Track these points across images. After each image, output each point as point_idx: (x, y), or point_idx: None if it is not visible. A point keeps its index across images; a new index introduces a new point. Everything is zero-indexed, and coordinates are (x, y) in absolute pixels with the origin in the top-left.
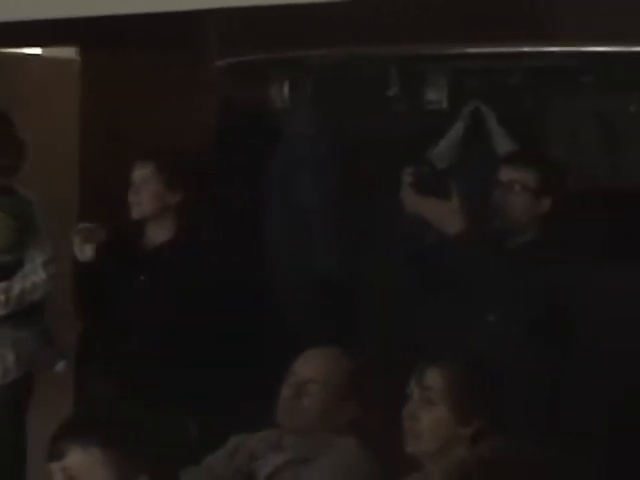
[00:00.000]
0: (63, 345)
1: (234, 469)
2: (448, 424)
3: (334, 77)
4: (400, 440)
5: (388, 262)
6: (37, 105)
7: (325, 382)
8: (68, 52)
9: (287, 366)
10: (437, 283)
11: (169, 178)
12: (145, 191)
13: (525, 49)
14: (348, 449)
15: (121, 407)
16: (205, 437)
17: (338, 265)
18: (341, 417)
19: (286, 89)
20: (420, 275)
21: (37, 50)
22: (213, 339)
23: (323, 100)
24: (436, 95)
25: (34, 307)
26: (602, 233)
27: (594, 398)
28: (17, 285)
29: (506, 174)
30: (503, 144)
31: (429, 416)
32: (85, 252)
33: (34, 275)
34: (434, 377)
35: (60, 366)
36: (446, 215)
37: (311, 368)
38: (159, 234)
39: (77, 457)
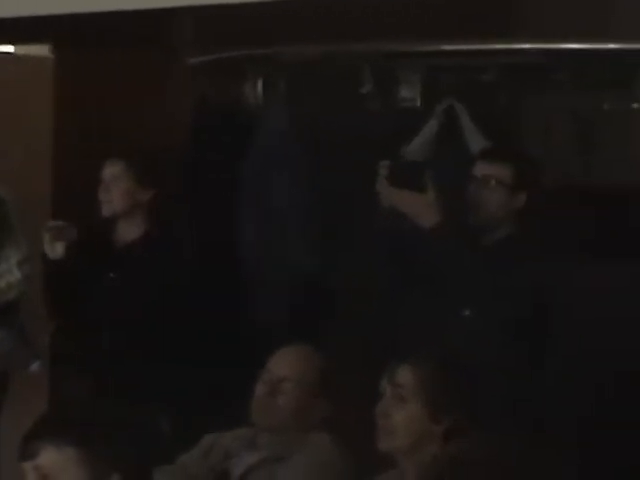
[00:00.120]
0: (38, 345)
1: (208, 468)
2: (420, 421)
3: (308, 74)
4: (374, 437)
5: (363, 258)
6: (10, 103)
7: (299, 380)
8: (41, 50)
9: (261, 364)
10: (413, 278)
11: (140, 175)
12: (115, 188)
13: (499, 46)
14: (322, 447)
15: (94, 406)
16: (178, 436)
17: (312, 261)
18: (315, 415)
19: (260, 87)
20: (396, 270)
21: (10, 48)
22: (185, 337)
23: (297, 97)
24: (410, 92)
25: (9, 307)
26: (577, 229)
27: (569, 394)
28: None
29: (481, 169)
30: (476, 141)
31: (401, 413)
32: (56, 250)
33: (9, 274)
34: (405, 375)
35: (35, 366)
36: (422, 208)
37: (285, 366)
38: (130, 231)
39: (50, 456)
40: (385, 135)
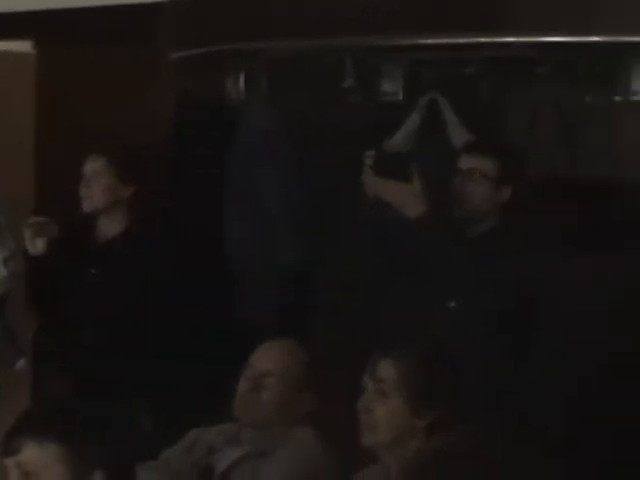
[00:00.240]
0: (23, 343)
1: (192, 463)
2: (403, 416)
3: (289, 69)
4: (357, 432)
5: (348, 249)
6: None
7: (283, 374)
8: (23, 46)
9: (244, 359)
10: (398, 268)
11: (121, 172)
12: (96, 184)
13: (481, 39)
14: (306, 441)
15: (76, 402)
16: (160, 432)
17: (296, 254)
18: (299, 409)
19: (241, 81)
20: (381, 260)
21: None
22: (167, 333)
23: (279, 92)
24: (392, 86)
25: None
26: (562, 222)
27: (554, 387)
28: None
29: (466, 162)
30: (459, 135)
31: (383, 408)
32: (36, 246)
33: None
34: (387, 369)
35: (20, 364)
36: (407, 198)
37: (268, 360)
38: (111, 227)
39: (32, 452)
40: (367, 129)
